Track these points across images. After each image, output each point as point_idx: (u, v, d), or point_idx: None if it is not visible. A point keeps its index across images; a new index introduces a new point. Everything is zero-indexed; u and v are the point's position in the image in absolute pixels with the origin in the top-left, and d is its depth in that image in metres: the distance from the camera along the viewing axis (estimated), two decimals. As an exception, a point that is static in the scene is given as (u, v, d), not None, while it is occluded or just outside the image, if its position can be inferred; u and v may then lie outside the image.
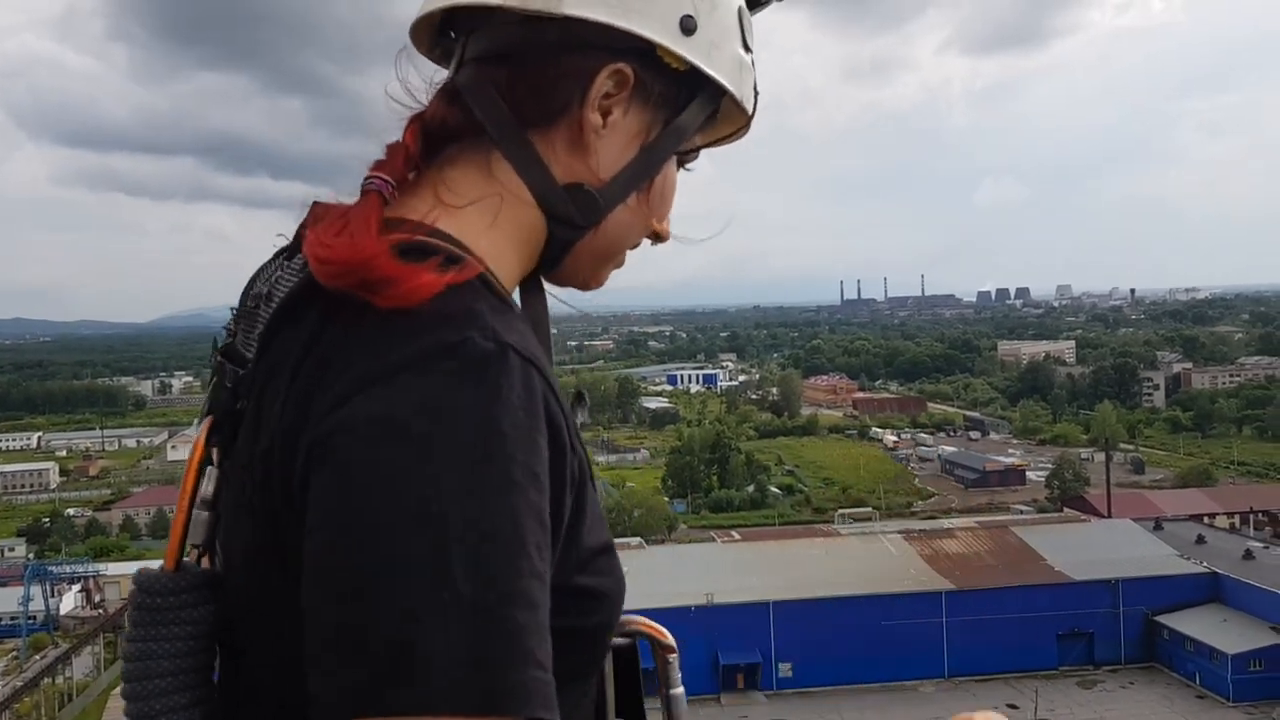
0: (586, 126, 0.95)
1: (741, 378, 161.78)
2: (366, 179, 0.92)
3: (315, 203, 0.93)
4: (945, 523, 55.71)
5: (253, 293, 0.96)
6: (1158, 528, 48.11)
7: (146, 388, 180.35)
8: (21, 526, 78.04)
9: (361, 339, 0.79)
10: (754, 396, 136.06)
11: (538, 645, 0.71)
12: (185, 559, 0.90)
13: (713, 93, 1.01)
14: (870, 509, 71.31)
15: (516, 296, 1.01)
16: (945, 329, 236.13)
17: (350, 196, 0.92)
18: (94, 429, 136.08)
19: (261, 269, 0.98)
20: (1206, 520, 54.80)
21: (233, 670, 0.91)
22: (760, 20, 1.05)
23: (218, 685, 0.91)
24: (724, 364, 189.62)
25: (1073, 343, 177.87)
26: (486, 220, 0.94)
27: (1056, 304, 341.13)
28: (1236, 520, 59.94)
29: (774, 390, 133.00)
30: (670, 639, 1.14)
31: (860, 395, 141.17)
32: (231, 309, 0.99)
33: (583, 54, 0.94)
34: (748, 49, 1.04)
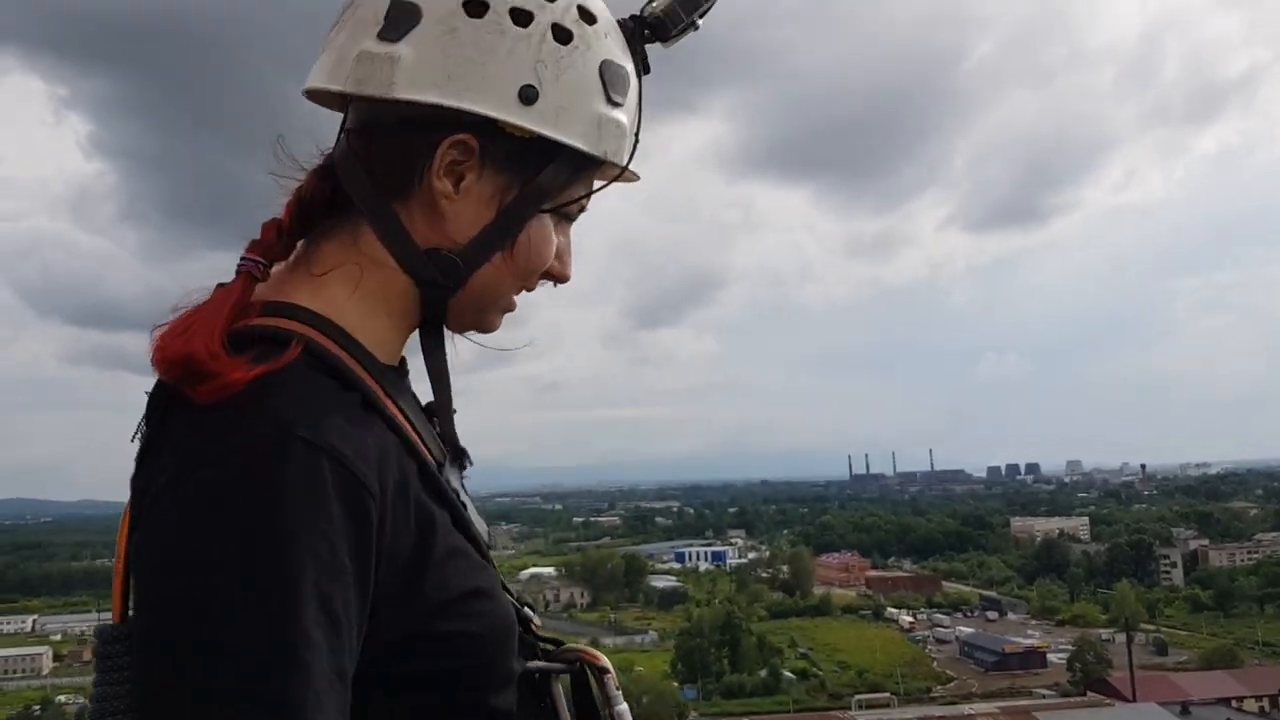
0: (437, 194, 1.00)
1: (751, 555, 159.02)
2: (240, 259, 0.97)
3: (218, 285, 0.97)
4: (966, 708, 54.03)
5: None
6: (1184, 712, 46.70)
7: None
8: (11, 714, 75.52)
9: (176, 439, 0.87)
10: (764, 575, 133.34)
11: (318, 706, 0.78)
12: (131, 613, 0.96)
13: (571, 153, 1.03)
14: (888, 694, 69.04)
15: (421, 348, 1.09)
16: (957, 504, 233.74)
17: None
18: (90, 611, 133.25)
19: None
20: (1235, 704, 53.00)
21: None
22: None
23: None
24: (733, 540, 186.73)
25: (1086, 519, 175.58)
26: (349, 289, 1.00)
27: (1068, 479, 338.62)
28: (1266, 704, 57.84)
29: (785, 568, 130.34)
30: (604, 660, 1.19)
31: (873, 574, 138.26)
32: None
33: (425, 129, 0.98)
34: (612, 103, 1.04)
